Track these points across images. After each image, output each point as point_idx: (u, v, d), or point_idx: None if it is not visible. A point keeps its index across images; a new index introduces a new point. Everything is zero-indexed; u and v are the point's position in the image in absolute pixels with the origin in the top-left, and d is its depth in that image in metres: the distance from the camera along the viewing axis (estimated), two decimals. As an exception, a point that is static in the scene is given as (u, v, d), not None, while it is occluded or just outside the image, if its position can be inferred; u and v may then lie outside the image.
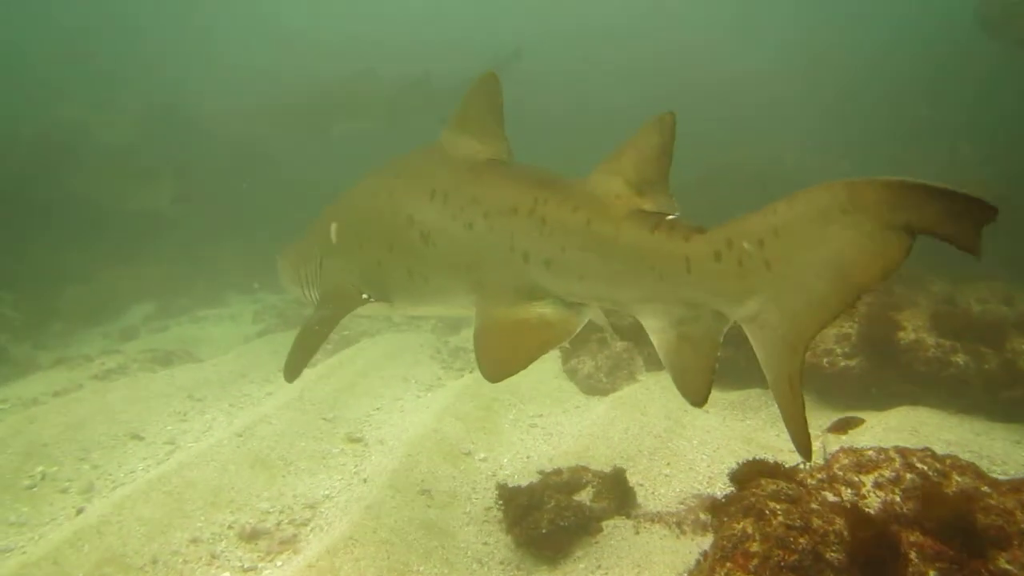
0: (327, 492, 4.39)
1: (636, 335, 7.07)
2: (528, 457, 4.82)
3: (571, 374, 6.69)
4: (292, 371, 3.43)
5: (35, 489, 4.44)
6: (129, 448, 5.20)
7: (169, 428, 5.65)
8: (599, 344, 6.95)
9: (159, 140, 16.83)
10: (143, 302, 11.66)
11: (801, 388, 2.05)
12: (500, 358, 2.70)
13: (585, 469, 3.79)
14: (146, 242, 13.65)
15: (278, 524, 4.01)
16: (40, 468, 4.64)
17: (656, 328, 2.49)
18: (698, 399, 2.41)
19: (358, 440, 5.28)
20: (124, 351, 8.46)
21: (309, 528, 3.96)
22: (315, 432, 5.34)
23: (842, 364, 5.29)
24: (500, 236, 2.78)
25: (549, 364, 7.04)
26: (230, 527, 3.91)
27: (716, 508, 2.64)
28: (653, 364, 6.52)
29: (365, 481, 4.45)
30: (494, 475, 4.53)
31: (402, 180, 3.36)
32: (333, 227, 3.83)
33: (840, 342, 5.37)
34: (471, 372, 7.49)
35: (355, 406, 6.05)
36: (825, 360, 5.34)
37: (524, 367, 2.62)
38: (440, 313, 3.55)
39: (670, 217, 2.40)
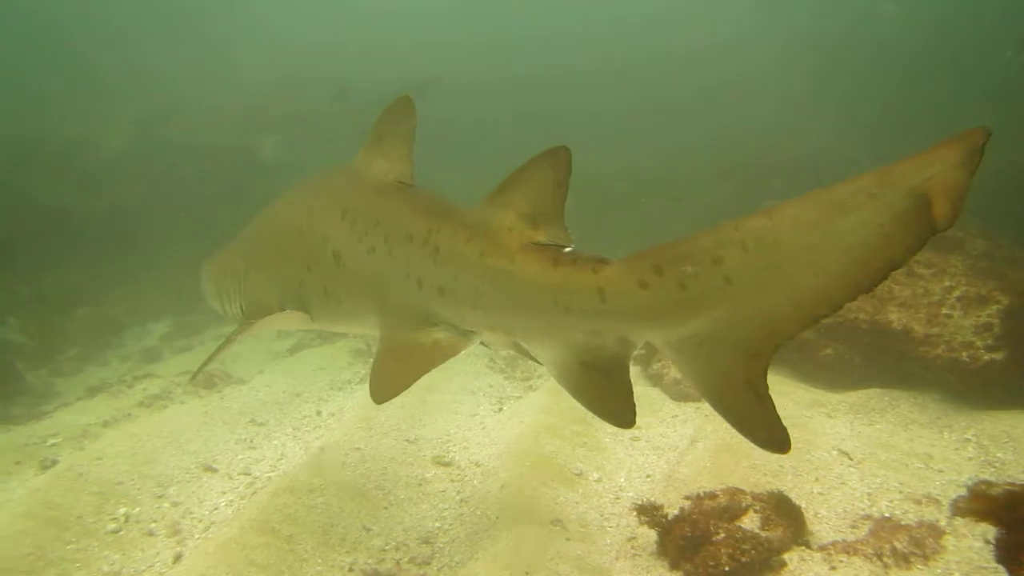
0: (438, 524, 4.13)
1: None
2: (648, 476, 4.55)
3: (655, 380, 6.43)
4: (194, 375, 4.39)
5: (121, 533, 4.17)
6: (205, 481, 4.93)
7: (240, 457, 5.38)
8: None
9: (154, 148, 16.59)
10: (156, 321, 11.45)
11: (767, 390, 2.09)
12: (388, 381, 2.83)
13: (741, 492, 3.52)
14: (150, 257, 13.44)
15: (398, 563, 3.74)
16: (122, 509, 4.37)
17: (555, 359, 2.56)
18: (624, 422, 2.49)
19: (448, 463, 5.02)
20: (160, 374, 8.20)
21: (435, 568, 3.69)
22: (403, 456, 5.07)
23: (985, 358, 4.97)
24: (398, 262, 2.88)
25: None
26: (350, 570, 3.65)
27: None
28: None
29: (477, 512, 4.18)
30: (617, 498, 4.27)
31: (319, 199, 3.46)
32: (252, 245, 3.99)
33: (980, 333, 5.06)
34: (541, 379, 7.25)
35: (432, 425, 5.79)
36: (965, 354, 5.02)
37: (408, 387, 2.78)
38: (358, 332, 3.57)
39: (567, 249, 2.45)
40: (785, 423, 2.06)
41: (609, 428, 5.40)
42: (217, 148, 16.66)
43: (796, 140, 17.07)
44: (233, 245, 4.36)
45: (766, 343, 2.08)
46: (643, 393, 6.22)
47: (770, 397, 2.09)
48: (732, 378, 2.13)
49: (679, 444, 5.03)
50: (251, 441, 5.72)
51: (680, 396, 6.07)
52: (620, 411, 2.52)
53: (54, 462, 5.35)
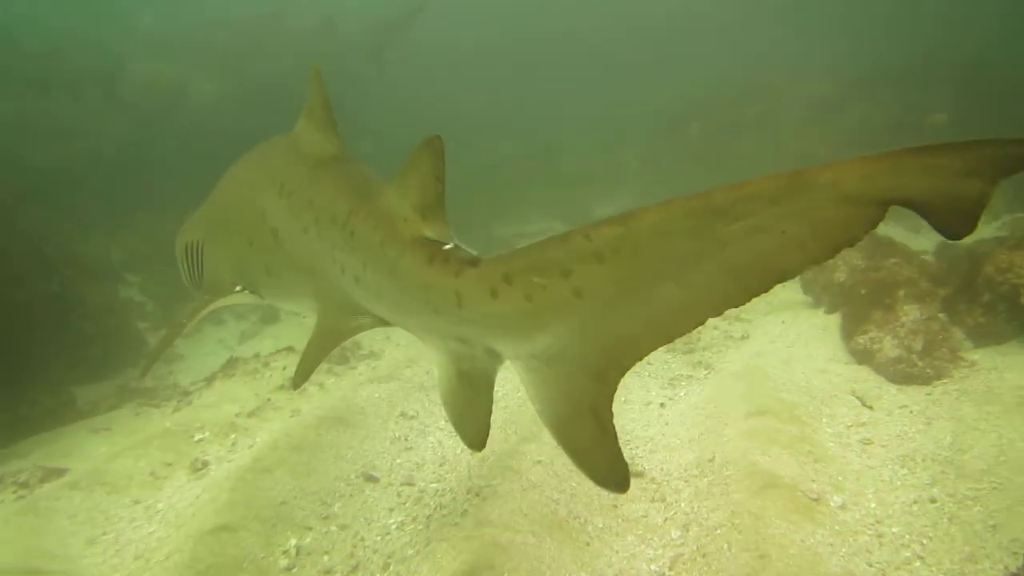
0: (657, 568, 3.60)
1: (925, 295, 5.92)
2: (914, 503, 3.83)
3: (863, 356, 5.60)
4: (144, 368, 4.22)
5: (295, 571, 3.89)
6: (368, 495, 4.61)
7: (399, 462, 5.04)
8: (885, 312, 5.82)
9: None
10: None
11: (612, 419, 2.05)
12: (307, 367, 2.92)
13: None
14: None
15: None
16: (292, 541, 4.09)
17: (439, 362, 2.55)
18: (475, 442, 2.49)
19: (640, 474, 4.46)
20: (288, 342, 8.01)
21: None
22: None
23: None
24: (325, 245, 2.83)
25: (819, 346, 5.98)
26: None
27: None
28: (986, 337, 5.33)
29: (703, 553, 3.61)
30: (879, 535, 3.59)
31: (260, 172, 3.45)
32: (208, 217, 4.00)
33: None
34: (709, 351, 6.56)
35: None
36: None
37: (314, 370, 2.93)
38: (306, 311, 3.43)
39: (447, 246, 2.39)
40: None
41: (827, 427, 4.70)
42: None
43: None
44: (196, 214, 4.32)
45: (614, 366, 2.03)
46: (849, 375, 5.43)
47: (614, 428, 2.04)
48: (577, 403, 2.08)
49: (928, 447, 4.26)
50: (406, 440, 5.37)
51: (902, 378, 5.24)
52: (473, 431, 2.51)
53: (205, 464, 5.20)
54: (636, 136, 18.69)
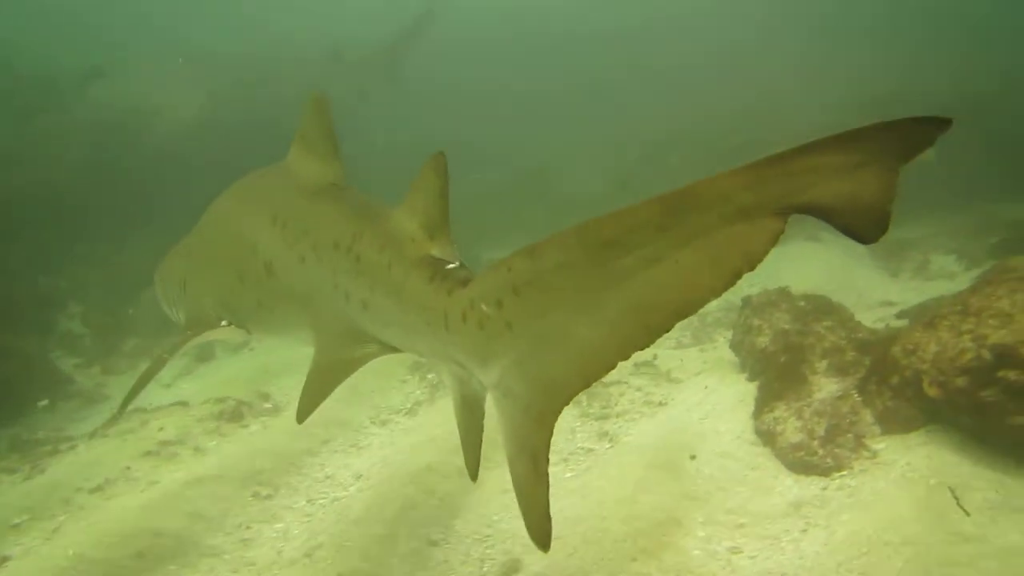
0: None
1: (849, 367, 5.56)
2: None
3: (767, 438, 5.23)
4: (121, 407, 4.13)
5: None
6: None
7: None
8: (799, 385, 5.46)
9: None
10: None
11: (547, 466, 1.99)
12: (313, 399, 2.84)
13: None
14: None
15: None
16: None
17: (450, 385, 2.52)
18: (472, 470, 2.52)
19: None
20: (188, 397, 7.74)
21: None
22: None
23: None
24: (325, 272, 2.81)
25: (731, 421, 5.62)
26: None
27: None
28: (892, 423, 4.95)
29: None
30: None
31: (250, 204, 3.41)
32: (192, 250, 3.97)
33: None
34: (627, 422, 6.21)
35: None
36: None
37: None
38: (301, 344, 3.34)
39: (451, 266, 2.39)
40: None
41: (703, 531, 4.35)
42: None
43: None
44: (178, 247, 4.29)
45: (549, 408, 1.97)
46: (747, 461, 5.06)
47: (547, 478, 1.98)
48: (519, 443, 2.03)
49: (791, 568, 3.88)
50: (247, 530, 5.06)
51: (799, 467, 4.86)
52: (469, 459, 2.52)
53: (4, 560, 4.70)
54: (618, 165, 18.48)
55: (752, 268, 1.62)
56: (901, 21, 26.23)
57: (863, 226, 1.55)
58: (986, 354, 4.32)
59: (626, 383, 6.94)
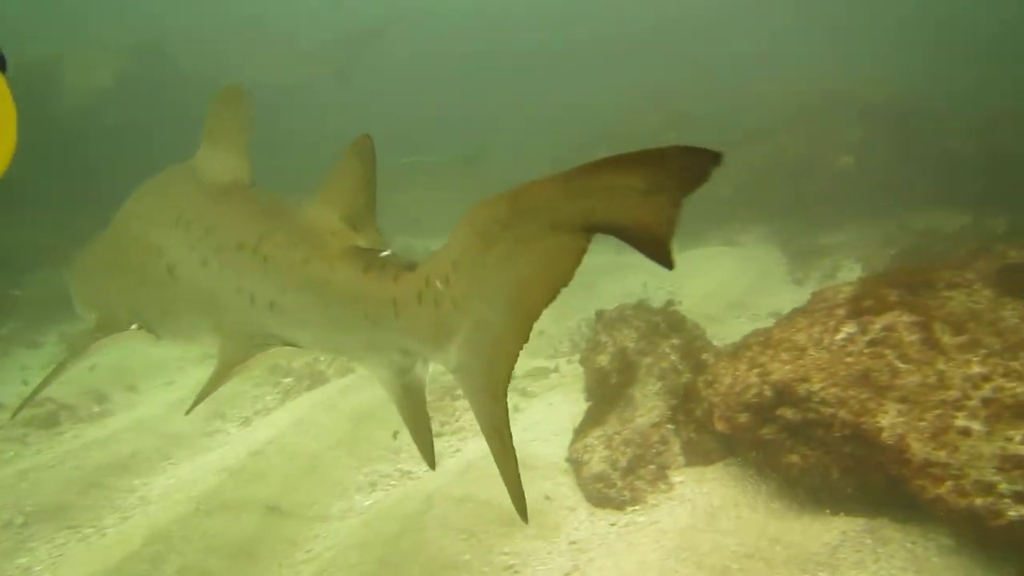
0: None
1: (679, 391, 5.46)
2: None
3: (575, 467, 5.13)
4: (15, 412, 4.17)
5: None
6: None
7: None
8: (623, 410, 5.36)
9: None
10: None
11: (511, 440, 2.03)
12: (200, 399, 2.78)
13: None
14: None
15: None
16: None
17: (385, 381, 2.51)
18: (431, 459, 2.55)
19: None
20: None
21: None
22: None
23: (1012, 514, 3.28)
24: (228, 275, 2.76)
25: (555, 446, 5.50)
26: None
27: None
28: (694, 455, 4.86)
29: None
30: None
31: (156, 204, 3.34)
32: (103, 249, 3.86)
33: (1005, 469, 3.43)
34: (460, 441, 6.07)
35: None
36: (980, 502, 3.42)
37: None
38: (207, 348, 3.27)
39: (383, 254, 2.37)
40: None
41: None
42: None
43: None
44: (90, 245, 4.14)
45: (498, 384, 2.02)
46: (550, 488, 4.95)
47: (514, 452, 2.03)
48: (487, 420, 2.07)
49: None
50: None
51: (598, 500, 4.77)
52: (426, 448, 2.53)
53: None
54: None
55: (566, 284, 1.72)
56: (862, 21, 26.23)
57: (655, 257, 1.55)
58: (768, 391, 4.24)
59: (476, 397, 6.81)
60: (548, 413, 6.27)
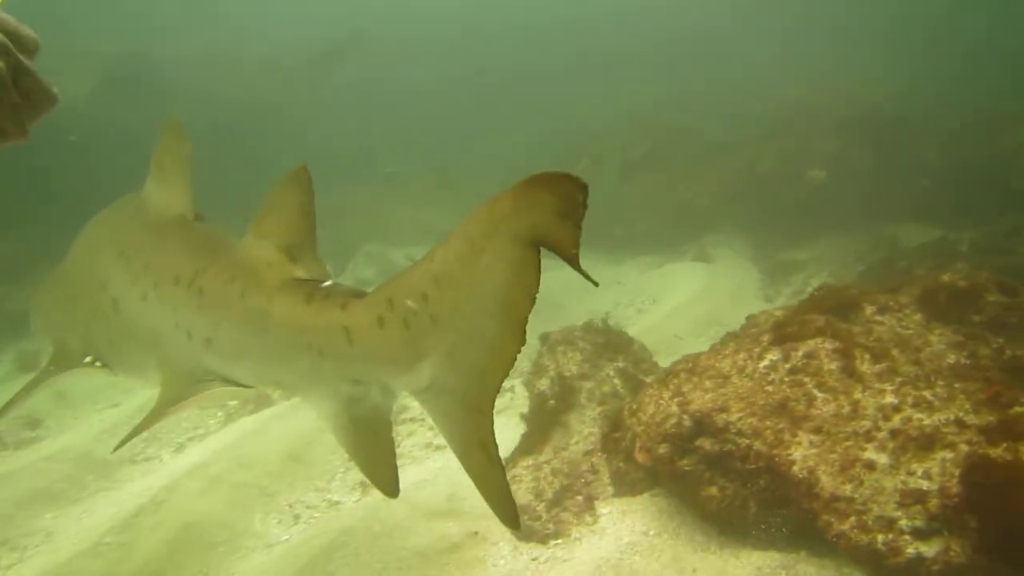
0: None
1: (612, 416, 5.38)
2: None
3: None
4: None
5: None
6: None
7: None
8: (555, 441, 5.28)
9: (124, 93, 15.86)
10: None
11: (497, 451, 2.08)
12: (131, 436, 2.85)
13: None
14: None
15: None
16: None
17: (328, 414, 2.46)
18: (390, 488, 2.45)
19: None
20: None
21: None
22: None
23: (910, 551, 3.25)
24: (166, 310, 2.74)
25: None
26: None
27: None
28: (622, 485, 4.79)
29: None
30: None
31: (104, 236, 3.32)
32: (59, 281, 3.84)
33: (908, 505, 3.38)
34: (408, 462, 5.98)
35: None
36: (881, 539, 3.37)
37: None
38: (153, 386, 3.19)
39: (325, 284, 2.38)
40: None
41: None
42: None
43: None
44: (50, 276, 4.16)
45: (483, 396, 2.05)
46: (460, 527, 4.82)
47: (500, 462, 2.07)
48: (466, 437, 2.09)
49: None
50: None
51: (523, 532, 4.68)
52: (385, 478, 2.44)
53: None
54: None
55: (535, 292, 1.84)
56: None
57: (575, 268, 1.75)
58: (687, 420, 4.17)
59: (421, 421, 6.75)
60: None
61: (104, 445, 6.22)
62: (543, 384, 6.13)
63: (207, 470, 5.39)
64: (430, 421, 6.77)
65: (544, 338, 6.74)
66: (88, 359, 3.51)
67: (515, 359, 2.03)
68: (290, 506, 5.31)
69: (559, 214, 1.69)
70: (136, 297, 2.89)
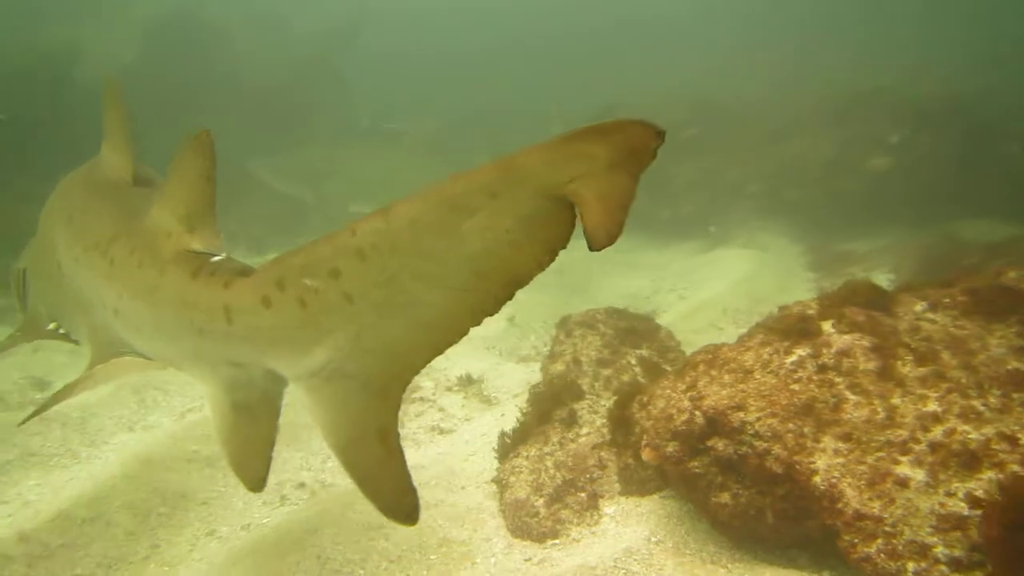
0: None
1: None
2: None
3: (501, 489, 4.75)
4: None
5: None
6: None
7: None
8: (561, 432, 4.95)
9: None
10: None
11: (399, 442, 2.01)
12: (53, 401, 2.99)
13: None
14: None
15: None
16: None
17: (210, 395, 2.40)
18: (255, 482, 2.36)
19: None
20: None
21: None
22: None
23: None
24: (88, 277, 2.74)
25: (483, 462, 5.16)
26: None
27: None
28: (630, 483, 4.45)
29: None
30: None
31: (58, 201, 3.33)
32: (29, 250, 3.83)
33: (943, 529, 2.97)
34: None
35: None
36: (912, 568, 2.93)
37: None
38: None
39: (216, 258, 2.31)
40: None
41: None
42: None
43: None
44: (30, 242, 4.10)
45: (395, 380, 2.00)
46: (474, 516, 4.57)
47: (401, 452, 2.00)
48: (361, 425, 2.02)
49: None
50: None
51: (520, 530, 4.38)
52: (253, 470, 2.36)
53: None
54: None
55: (553, 253, 1.72)
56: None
57: (599, 231, 1.61)
58: (699, 418, 3.81)
59: (432, 402, 6.50)
60: (498, 424, 5.89)
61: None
62: (559, 369, 5.83)
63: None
64: (441, 403, 6.53)
65: (563, 321, 6.42)
66: (52, 326, 3.49)
67: (461, 338, 1.88)
68: (278, 484, 5.11)
69: (610, 164, 1.56)
70: (70, 260, 2.89)
